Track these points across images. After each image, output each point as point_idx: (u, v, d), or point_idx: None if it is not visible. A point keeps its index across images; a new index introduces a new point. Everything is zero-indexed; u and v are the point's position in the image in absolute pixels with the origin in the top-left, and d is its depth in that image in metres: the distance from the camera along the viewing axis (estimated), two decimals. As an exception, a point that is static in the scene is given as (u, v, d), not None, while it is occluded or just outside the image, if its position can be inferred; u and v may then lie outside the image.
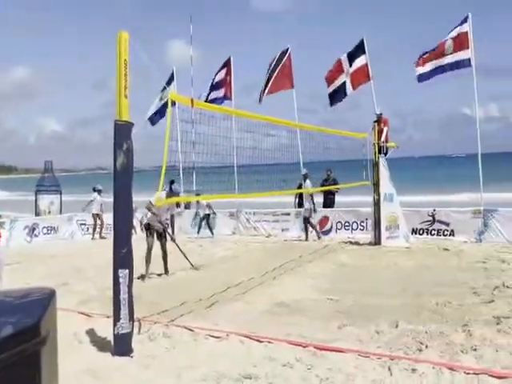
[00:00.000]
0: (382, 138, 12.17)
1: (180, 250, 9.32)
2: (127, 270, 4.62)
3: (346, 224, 14.28)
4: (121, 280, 4.57)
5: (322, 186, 15.74)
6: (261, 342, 5.06)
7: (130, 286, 4.64)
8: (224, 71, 17.67)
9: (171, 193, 9.25)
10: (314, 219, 14.04)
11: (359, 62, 14.66)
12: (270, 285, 7.93)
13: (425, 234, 13.24)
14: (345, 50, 14.99)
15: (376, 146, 11.94)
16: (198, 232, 15.38)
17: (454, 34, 13.24)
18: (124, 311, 4.59)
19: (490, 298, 6.50)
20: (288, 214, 15.30)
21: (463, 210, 13.08)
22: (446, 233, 13.06)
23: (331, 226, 14.47)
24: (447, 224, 13.01)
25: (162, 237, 9.04)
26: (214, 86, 17.65)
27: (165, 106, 18.11)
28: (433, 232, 13.23)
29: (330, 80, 15.00)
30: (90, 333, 5.38)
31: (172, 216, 15.26)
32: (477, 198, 13.57)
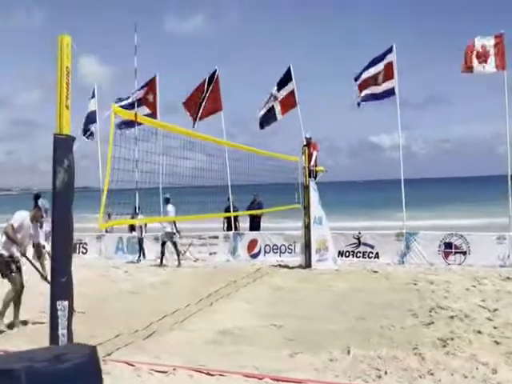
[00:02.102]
0: (312, 162, 12.33)
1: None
2: (67, 302, 4.11)
3: (275, 247, 14.22)
4: (59, 313, 4.06)
5: (248, 209, 15.68)
6: (212, 375, 4.71)
7: (70, 320, 4.13)
8: (145, 89, 17.24)
9: (38, 210, 6.45)
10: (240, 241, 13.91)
11: (287, 88, 14.88)
12: (208, 312, 7.57)
13: (350, 256, 13.51)
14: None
15: (306, 169, 12.06)
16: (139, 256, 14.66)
17: (383, 64, 13.80)
18: (62, 348, 4.05)
19: (428, 319, 6.63)
20: (216, 238, 14.97)
21: (387, 232, 13.55)
22: (371, 255, 13.40)
23: (260, 249, 14.35)
24: (372, 247, 13.38)
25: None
26: (132, 104, 17.08)
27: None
28: (358, 254, 13.53)
29: (261, 106, 15.16)
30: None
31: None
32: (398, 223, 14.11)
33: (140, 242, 14.64)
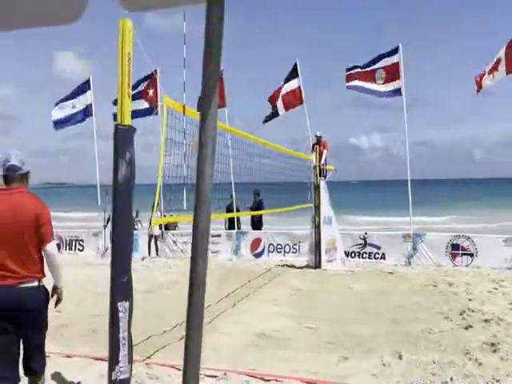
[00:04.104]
0: (322, 161, 12.19)
1: None
2: (128, 303, 3.85)
3: (279, 246, 14.05)
4: (120, 315, 3.79)
5: (251, 208, 15.45)
6: (267, 380, 4.52)
7: (129, 322, 3.87)
8: (146, 83, 16.92)
9: None
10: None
11: (292, 84, 14.73)
12: (234, 313, 7.35)
13: (356, 257, 13.43)
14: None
15: (317, 168, 11.91)
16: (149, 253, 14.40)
17: (383, 63, 13.73)
18: (123, 352, 3.79)
19: (464, 323, 6.52)
20: (219, 236, 14.73)
21: (394, 233, 13.50)
22: (377, 256, 13.33)
23: (263, 249, 14.17)
24: (378, 247, 13.31)
25: None
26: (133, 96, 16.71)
27: (77, 113, 17.06)
28: (364, 255, 13.45)
29: (271, 101, 14.96)
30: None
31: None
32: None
33: (152, 239, 14.39)
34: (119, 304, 3.82)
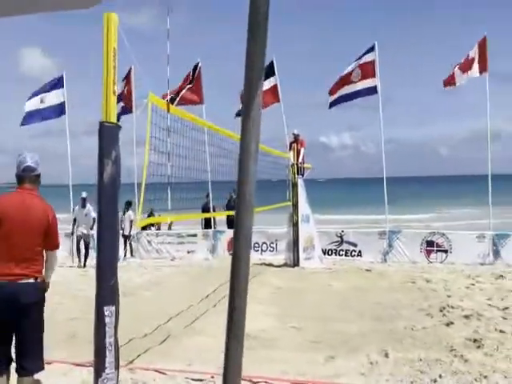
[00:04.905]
0: (300, 159, 12.17)
1: None
2: (114, 307, 3.71)
3: (256, 245, 13.98)
4: (107, 320, 3.65)
5: (226, 207, 15.25)
6: (256, 382, 4.44)
7: (116, 327, 3.73)
8: (124, 83, 16.58)
9: None
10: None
11: (268, 83, 14.66)
12: (216, 313, 7.22)
13: (333, 254, 13.50)
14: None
15: (295, 166, 11.89)
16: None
17: (360, 61, 13.83)
18: (110, 358, 3.66)
19: (445, 319, 6.58)
20: (195, 236, 14.59)
21: (370, 231, 13.62)
22: (353, 253, 13.43)
23: (240, 248, 14.09)
24: (355, 245, 13.41)
25: None
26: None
27: (46, 110, 16.39)
28: (341, 252, 13.54)
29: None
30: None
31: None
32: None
33: (126, 239, 14.07)
34: (106, 308, 3.68)
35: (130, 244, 14.35)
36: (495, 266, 11.80)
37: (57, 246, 3.81)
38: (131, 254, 14.22)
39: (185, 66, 15.86)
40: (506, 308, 7.09)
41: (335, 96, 13.73)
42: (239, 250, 1.82)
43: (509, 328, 6.08)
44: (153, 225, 15.97)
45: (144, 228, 15.20)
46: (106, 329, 3.67)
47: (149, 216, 10.97)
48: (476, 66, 12.53)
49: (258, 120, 1.70)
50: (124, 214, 14.13)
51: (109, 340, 3.69)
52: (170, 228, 16.52)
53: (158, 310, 7.42)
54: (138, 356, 5.29)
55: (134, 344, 5.72)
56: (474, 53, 12.67)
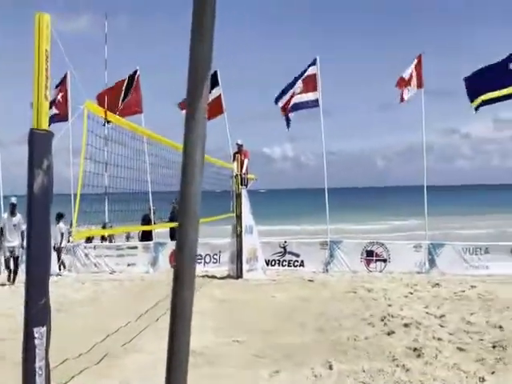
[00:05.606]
0: (244, 170, 12.12)
1: None
2: (45, 328, 3.45)
3: (199, 257, 13.73)
4: (36, 342, 3.38)
5: (170, 218, 14.88)
6: (199, 402, 4.26)
7: (47, 350, 3.47)
8: (58, 89, 15.96)
9: None
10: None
11: (214, 93, 14.57)
12: (157, 329, 6.97)
13: (276, 265, 13.50)
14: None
15: (239, 177, 11.83)
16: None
17: (303, 75, 14.05)
18: (40, 383, 3.39)
19: (387, 328, 6.67)
20: (135, 248, 14.16)
21: (312, 241, 13.75)
22: (296, 264, 13.51)
23: (182, 260, 13.81)
24: (298, 255, 13.49)
25: None
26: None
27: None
28: (284, 263, 13.57)
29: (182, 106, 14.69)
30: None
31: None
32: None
33: (59, 251, 13.32)
34: (36, 330, 3.42)
35: (60, 257, 13.59)
36: (431, 274, 12.23)
37: None
38: (63, 268, 13.51)
39: (125, 71, 15.46)
40: (443, 316, 7.30)
41: (289, 114, 13.84)
42: (182, 267, 1.68)
43: (446, 336, 6.25)
44: (104, 237, 15.29)
45: (88, 240, 14.63)
46: (36, 351, 3.42)
47: (102, 228, 10.50)
48: (415, 81, 13.06)
49: (204, 127, 1.59)
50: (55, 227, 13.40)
51: (39, 364, 3.43)
52: (127, 239, 15.86)
53: (94, 327, 7.07)
54: (72, 378, 4.98)
55: (69, 365, 5.39)
56: (411, 69, 13.20)
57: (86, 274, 13.26)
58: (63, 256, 13.51)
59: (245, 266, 11.69)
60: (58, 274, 12.77)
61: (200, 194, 1.74)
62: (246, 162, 12.19)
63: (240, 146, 12.50)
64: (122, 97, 14.50)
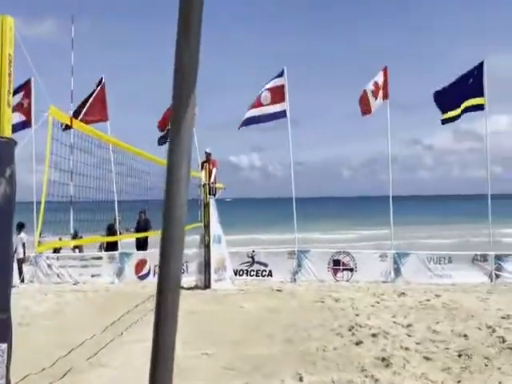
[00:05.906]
0: (212, 179, 12.04)
1: None
2: (5, 345, 3.30)
3: (166, 267, 13.55)
4: (-4, 359, 3.24)
5: (137, 228, 14.60)
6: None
7: (8, 367, 3.32)
8: (21, 94, 15.52)
9: None
10: None
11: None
12: (123, 342, 6.82)
13: (244, 274, 13.46)
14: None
15: (207, 186, 11.74)
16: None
17: (269, 85, 14.13)
18: (-1, 404, 3.23)
19: (355, 338, 6.70)
20: (99, 258, 13.85)
21: (280, 251, 13.76)
22: (264, 273, 13.49)
23: (149, 270, 13.60)
24: (266, 265, 13.48)
25: None
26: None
27: None
28: (252, 273, 13.54)
29: (163, 125, 14.54)
30: None
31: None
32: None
33: (20, 262, 12.88)
34: (-5, 347, 3.26)
35: (21, 269, 13.17)
36: (396, 283, 12.43)
37: None
38: (22, 282, 13.07)
39: (92, 77, 15.24)
40: (410, 325, 7.39)
41: (245, 117, 13.86)
42: (167, 288, 1.62)
43: (413, 345, 6.32)
44: (77, 247, 14.86)
45: (56, 251, 14.23)
46: (-4, 370, 3.26)
47: (73, 238, 10.22)
48: (381, 92, 13.32)
49: (190, 137, 1.54)
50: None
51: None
52: (100, 249, 15.46)
53: (58, 340, 6.83)
54: (34, 395, 4.78)
55: (31, 381, 5.21)
56: (379, 80, 13.46)
57: (48, 284, 12.89)
58: (24, 268, 13.10)
59: (213, 276, 11.58)
60: (16, 286, 12.35)
61: (186, 208, 1.68)
62: (214, 171, 12.12)
63: (208, 155, 12.42)
64: (82, 102, 14.26)
